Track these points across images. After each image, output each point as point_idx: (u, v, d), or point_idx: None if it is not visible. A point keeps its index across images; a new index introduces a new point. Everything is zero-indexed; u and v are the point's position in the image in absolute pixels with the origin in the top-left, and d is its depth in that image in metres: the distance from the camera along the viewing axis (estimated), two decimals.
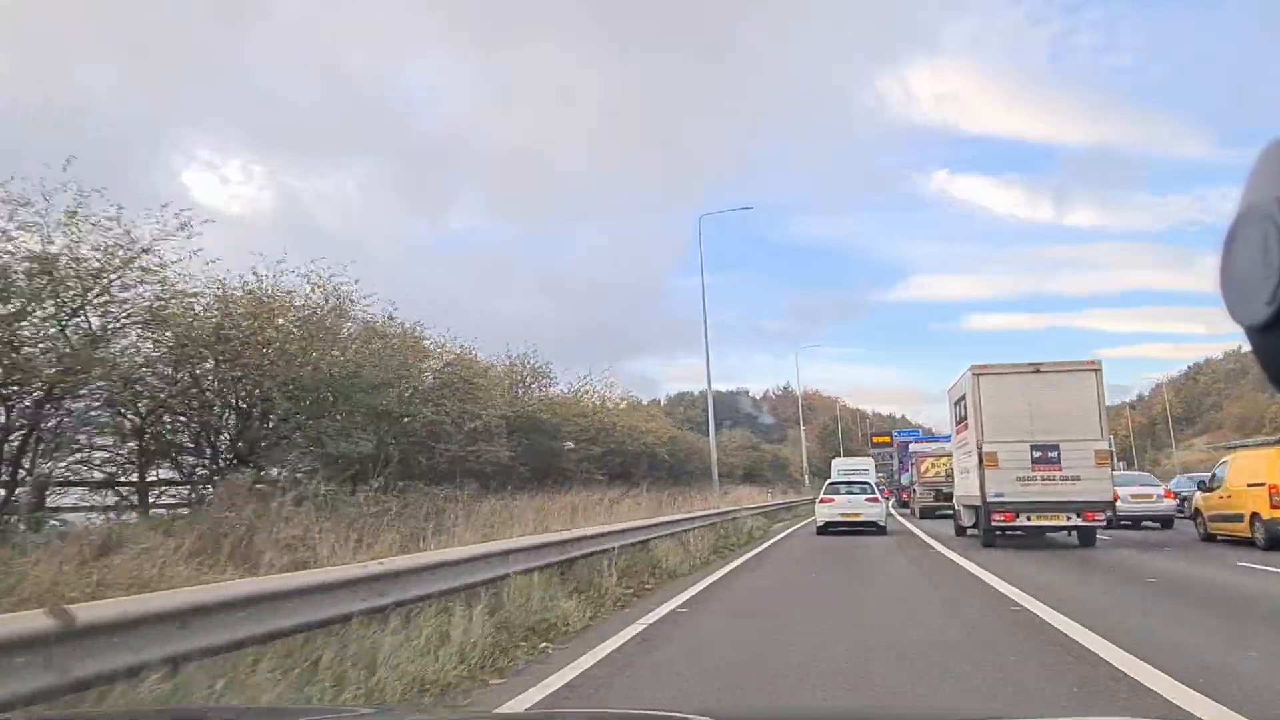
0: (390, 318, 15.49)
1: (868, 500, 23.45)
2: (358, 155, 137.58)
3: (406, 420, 14.61)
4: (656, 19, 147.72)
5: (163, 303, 10.24)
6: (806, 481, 58.78)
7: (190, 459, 11.82)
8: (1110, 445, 17.76)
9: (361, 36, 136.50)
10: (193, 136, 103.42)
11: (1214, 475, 17.51)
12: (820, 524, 23.13)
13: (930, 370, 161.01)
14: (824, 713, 3.74)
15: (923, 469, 34.39)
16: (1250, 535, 15.04)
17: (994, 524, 15.80)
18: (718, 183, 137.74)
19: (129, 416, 10.68)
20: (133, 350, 10.30)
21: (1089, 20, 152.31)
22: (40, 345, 9.07)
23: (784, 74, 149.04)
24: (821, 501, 23.74)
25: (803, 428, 62.58)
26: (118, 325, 9.88)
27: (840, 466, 41.31)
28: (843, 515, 22.83)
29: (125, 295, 9.82)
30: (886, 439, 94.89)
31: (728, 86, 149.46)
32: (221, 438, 12.11)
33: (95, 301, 9.53)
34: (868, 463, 46.90)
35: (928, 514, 33.84)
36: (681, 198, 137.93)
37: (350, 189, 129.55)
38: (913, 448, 41.44)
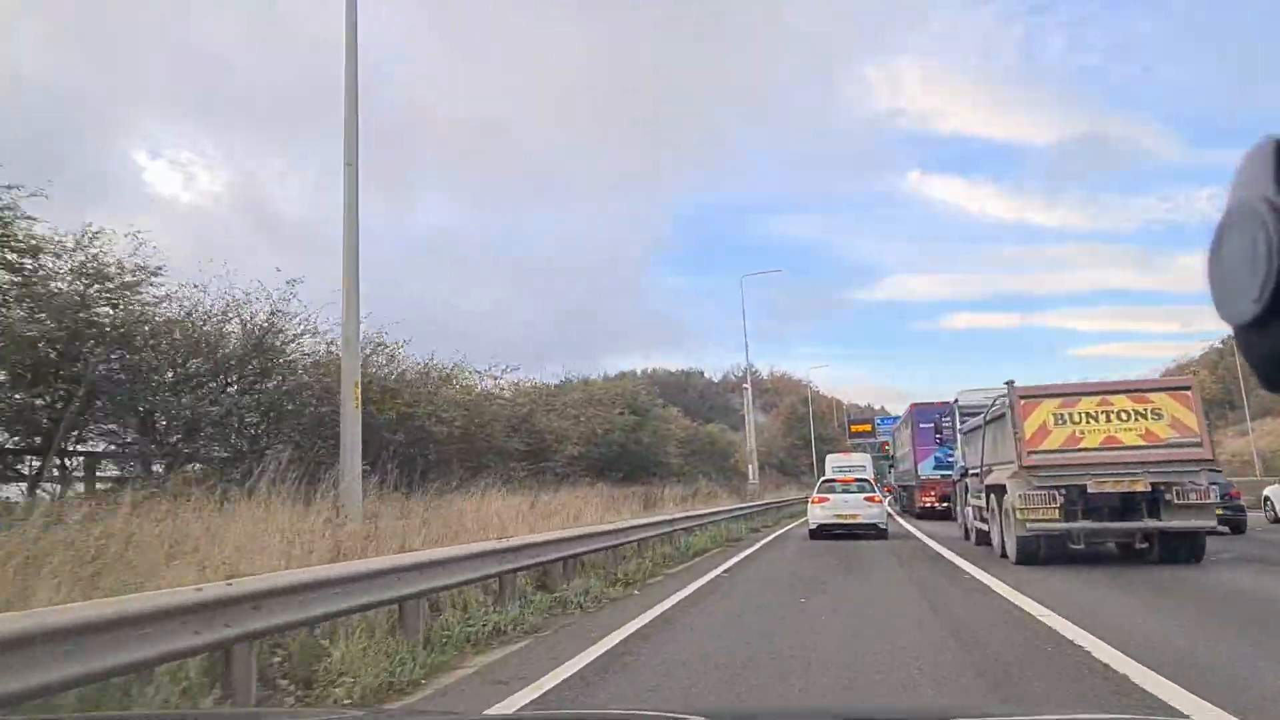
0: None
1: (866, 499, 19.75)
2: (319, 136, 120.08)
3: None
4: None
5: None
6: (753, 476, 37.13)
7: None
8: None
9: (327, 12, 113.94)
10: (138, 114, 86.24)
11: None
12: (813, 526, 19.93)
13: (904, 369, 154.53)
14: (821, 712, 3.35)
15: (1032, 431, 12.55)
16: None
17: None
18: (696, 180, 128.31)
19: None
20: None
21: (1057, 21, 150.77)
22: None
23: (762, 69, 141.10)
24: (814, 502, 20.13)
25: (749, 391, 40.96)
26: None
27: (835, 463, 33.21)
28: (838, 517, 19.44)
29: None
30: (867, 427, 74.08)
31: (711, 78, 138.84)
32: None
33: None
34: (864, 459, 36.61)
35: (1048, 553, 12.25)
36: (661, 192, 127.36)
37: (310, 172, 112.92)
38: (971, 398, 19.21)
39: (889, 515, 21.78)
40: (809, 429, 72.79)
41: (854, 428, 78.89)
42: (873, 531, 19.37)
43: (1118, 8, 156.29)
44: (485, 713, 4.51)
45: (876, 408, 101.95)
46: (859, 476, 22.52)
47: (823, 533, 19.50)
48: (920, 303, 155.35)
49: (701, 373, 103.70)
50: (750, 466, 33.32)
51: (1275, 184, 0.60)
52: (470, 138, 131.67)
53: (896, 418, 75.73)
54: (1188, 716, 4.22)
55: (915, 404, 28.65)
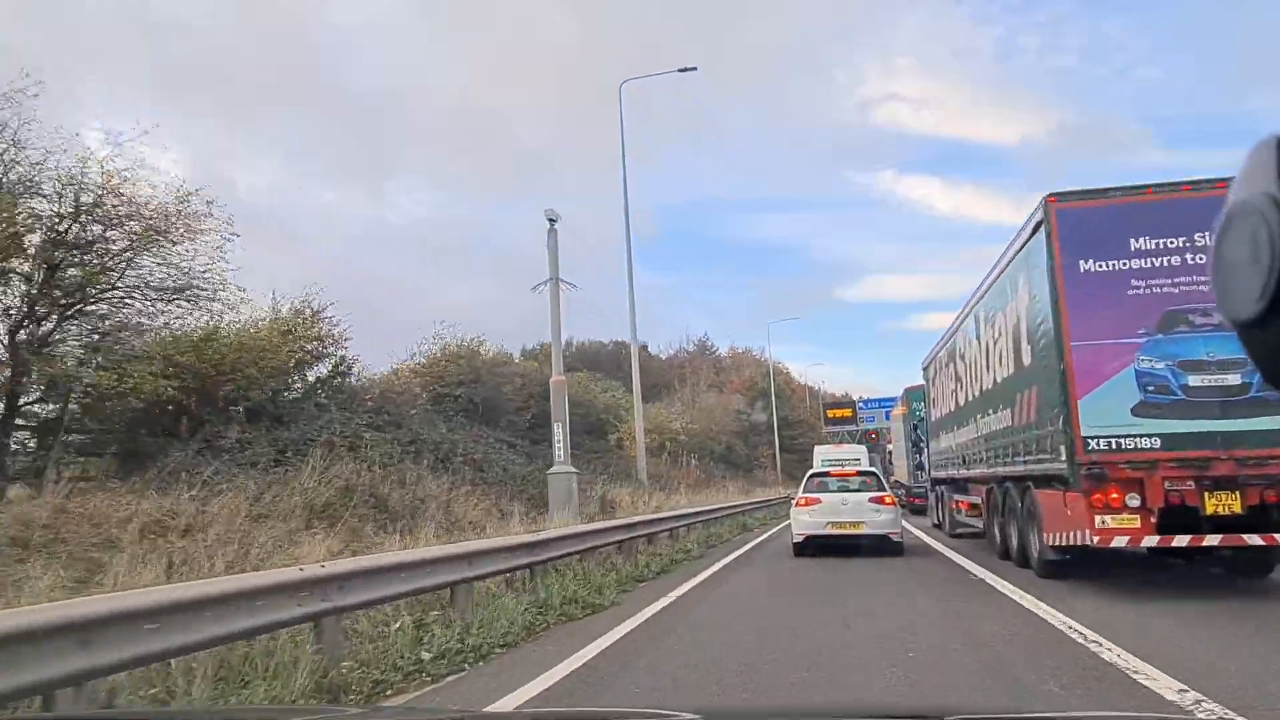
0: None
1: (873, 501, 13.78)
2: (289, 118, 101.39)
3: None
4: None
5: None
6: (642, 475, 18.11)
7: None
8: None
9: None
10: (88, 86, 70.48)
11: None
12: (798, 538, 13.85)
13: (879, 368, 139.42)
14: (818, 712, 3.14)
15: None
16: None
17: None
18: (674, 172, 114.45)
19: None
20: None
21: (1034, 22, 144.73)
22: None
23: (743, 67, 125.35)
24: (800, 504, 14.12)
25: (634, 321, 21.19)
26: None
27: (824, 456, 23.29)
28: (834, 525, 13.59)
29: None
30: (847, 412, 60.03)
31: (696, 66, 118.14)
32: None
33: None
34: (861, 450, 26.76)
35: None
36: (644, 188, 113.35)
37: (278, 156, 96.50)
38: None
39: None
40: (771, 412, 53.42)
41: (832, 413, 62.99)
42: (885, 546, 13.45)
43: (1092, 8, 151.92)
44: (485, 710, 4.54)
45: (856, 398, 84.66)
46: (864, 469, 16.04)
47: (812, 547, 13.63)
48: (898, 302, 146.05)
49: (645, 346, 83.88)
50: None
51: (1278, 181, 0.59)
52: (453, 125, 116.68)
53: (886, 400, 57.55)
54: (1189, 714, 4.13)
55: (1057, 198, 8.59)
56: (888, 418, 55.74)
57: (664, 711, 1.93)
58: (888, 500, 13.71)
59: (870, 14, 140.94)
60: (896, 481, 32.22)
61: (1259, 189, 0.60)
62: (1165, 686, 4.97)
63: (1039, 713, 4.07)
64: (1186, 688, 4.89)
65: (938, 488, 18.31)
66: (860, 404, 61.23)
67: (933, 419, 18.24)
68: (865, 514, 13.40)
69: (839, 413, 61.25)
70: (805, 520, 13.63)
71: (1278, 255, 0.58)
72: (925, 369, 19.24)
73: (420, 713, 4.03)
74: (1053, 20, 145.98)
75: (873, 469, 16.78)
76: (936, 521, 18.73)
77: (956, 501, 15.74)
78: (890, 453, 38.79)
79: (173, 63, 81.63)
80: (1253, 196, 0.61)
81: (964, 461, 14.07)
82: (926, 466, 20.07)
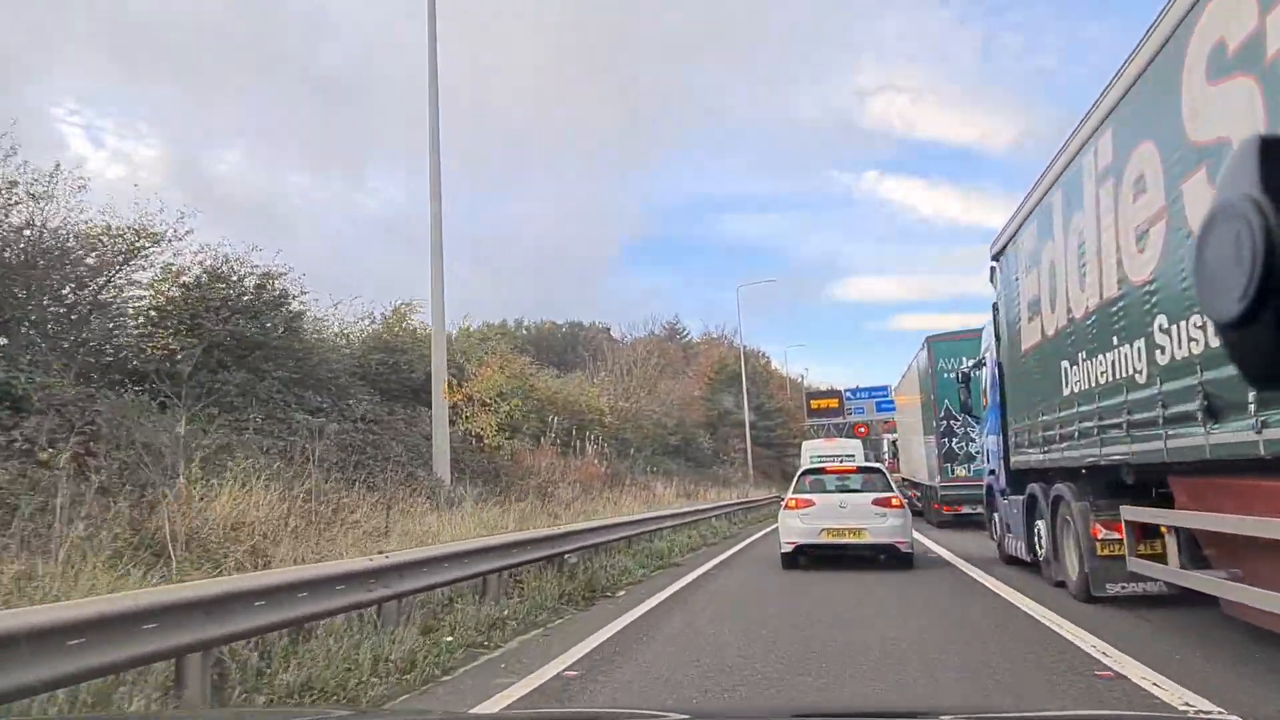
0: None
1: (876, 504, 11.78)
2: (262, 95, 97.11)
3: None
4: None
5: None
6: (441, 469, 11.44)
7: None
8: None
9: None
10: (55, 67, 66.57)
11: None
12: (787, 548, 11.93)
13: (871, 370, 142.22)
14: (809, 711, 3.23)
15: None
16: None
17: None
18: (659, 173, 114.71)
19: None
20: None
21: (1014, 23, 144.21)
22: None
23: (730, 63, 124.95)
24: (790, 507, 12.29)
25: (437, 179, 12.46)
26: None
27: (815, 452, 23.58)
28: (830, 533, 11.67)
29: None
30: (834, 402, 53.43)
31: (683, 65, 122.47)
32: None
33: None
34: (854, 445, 26.11)
35: None
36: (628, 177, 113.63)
37: (251, 136, 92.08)
38: None
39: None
40: (742, 391, 44.35)
41: (816, 403, 52.64)
42: (891, 555, 11.30)
43: (1072, 10, 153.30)
44: (471, 711, 4.55)
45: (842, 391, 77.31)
46: (866, 465, 14.78)
47: (802, 556, 11.68)
48: (877, 304, 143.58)
49: (608, 329, 74.75)
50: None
51: (1259, 181, 0.60)
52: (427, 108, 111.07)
53: (878, 390, 51.99)
54: (1185, 715, 4.16)
55: None
56: (879, 408, 47.58)
57: (651, 711, 2.03)
58: (895, 502, 11.69)
59: (858, 12, 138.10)
60: (905, 480, 23.19)
61: (1241, 190, 0.60)
62: None
63: (1039, 712, 3.89)
64: None
65: (1034, 487, 8.88)
66: (848, 394, 53.07)
67: (1024, 349, 8.84)
68: (868, 519, 11.50)
69: (824, 403, 53.63)
70: (796, 526, 11.81)
71: (1259, 256, 0.58)
72: (1000, 255, 9.80)
73: (408, 714, 4.13)
74: (1033, 21, 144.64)
75: (877, 465, 15.01)
76: (1033, 556, 9.29)
77: (1125, 524, 6.33)
78: (894, 445, 29.85)
79: (140, 39, 74.64)
80: (1235, 198, 0.60)
81: (1208, 411, 4.60)
82: (998, 449, 10.67)
